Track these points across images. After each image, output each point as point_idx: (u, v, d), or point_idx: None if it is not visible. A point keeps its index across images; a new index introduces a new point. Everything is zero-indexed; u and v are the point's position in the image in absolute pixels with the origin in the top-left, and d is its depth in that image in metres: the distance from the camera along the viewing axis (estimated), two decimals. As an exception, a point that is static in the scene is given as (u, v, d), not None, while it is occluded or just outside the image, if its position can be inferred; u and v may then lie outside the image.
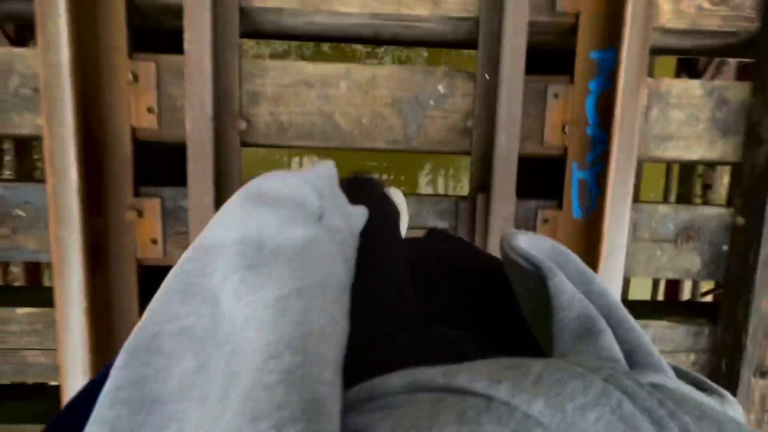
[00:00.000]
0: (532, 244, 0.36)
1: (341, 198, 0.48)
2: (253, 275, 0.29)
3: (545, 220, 1.23)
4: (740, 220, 1.22)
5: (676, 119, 1.22)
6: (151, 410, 0.24)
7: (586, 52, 1.15)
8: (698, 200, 2.27)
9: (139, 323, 0.27)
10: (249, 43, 3.16)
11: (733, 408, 0.26)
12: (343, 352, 0.28)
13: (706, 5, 1.17)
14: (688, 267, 1.28)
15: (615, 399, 0.19)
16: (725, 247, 1.26)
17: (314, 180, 0.44)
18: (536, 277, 0.33)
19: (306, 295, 0.28)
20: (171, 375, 0.25)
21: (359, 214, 0.50)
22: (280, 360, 0.24)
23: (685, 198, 2.39)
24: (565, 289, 0.31)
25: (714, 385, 0.28)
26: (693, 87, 1.21)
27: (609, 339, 0.28)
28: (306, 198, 0.40)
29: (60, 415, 0.31)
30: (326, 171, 0.48)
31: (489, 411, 0.20)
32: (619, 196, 1.13)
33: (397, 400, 0.23)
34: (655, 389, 0.20)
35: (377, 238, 0.49)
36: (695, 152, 1.23)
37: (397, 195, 1.17)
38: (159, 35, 1.19)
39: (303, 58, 3.60)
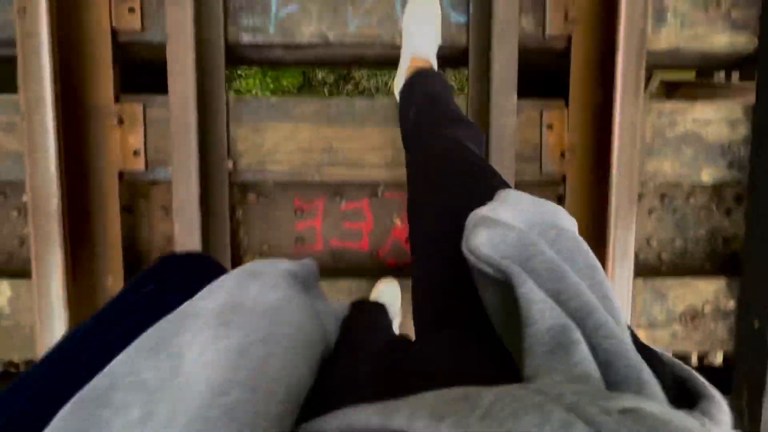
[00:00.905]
0: (496, 239, 0.32)
1: (321, 298, 0.46)
2: (224, 329, 0.29)
3: None
4: None
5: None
6: None
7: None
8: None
9: (99, 375, 0.27)
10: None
11: (719, 421, 0.23)
12: (302, 396, 0.28)
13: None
14: None
15: None
16: None
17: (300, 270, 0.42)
18: (504, 284, 0.30)
19: (270, 343, 0.28)
20: (111, 428, 0.24)
21: (340, 306, 0.49)
22: (227, 396, 0.24)
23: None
24: (534, 298, 0.28)
25: (702, 383, 0.25)
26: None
27: (583, 352, 0.25)
28: (298, 272, 0.40)
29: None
30: (311, 264, 0.46)
31: None
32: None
33: None
34: (626, 416, 0.18)
35: (357, 327, 0.46)
36: None
37: (391, 287, 1.10)
38: None
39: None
